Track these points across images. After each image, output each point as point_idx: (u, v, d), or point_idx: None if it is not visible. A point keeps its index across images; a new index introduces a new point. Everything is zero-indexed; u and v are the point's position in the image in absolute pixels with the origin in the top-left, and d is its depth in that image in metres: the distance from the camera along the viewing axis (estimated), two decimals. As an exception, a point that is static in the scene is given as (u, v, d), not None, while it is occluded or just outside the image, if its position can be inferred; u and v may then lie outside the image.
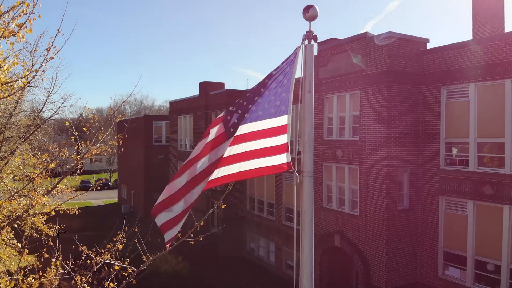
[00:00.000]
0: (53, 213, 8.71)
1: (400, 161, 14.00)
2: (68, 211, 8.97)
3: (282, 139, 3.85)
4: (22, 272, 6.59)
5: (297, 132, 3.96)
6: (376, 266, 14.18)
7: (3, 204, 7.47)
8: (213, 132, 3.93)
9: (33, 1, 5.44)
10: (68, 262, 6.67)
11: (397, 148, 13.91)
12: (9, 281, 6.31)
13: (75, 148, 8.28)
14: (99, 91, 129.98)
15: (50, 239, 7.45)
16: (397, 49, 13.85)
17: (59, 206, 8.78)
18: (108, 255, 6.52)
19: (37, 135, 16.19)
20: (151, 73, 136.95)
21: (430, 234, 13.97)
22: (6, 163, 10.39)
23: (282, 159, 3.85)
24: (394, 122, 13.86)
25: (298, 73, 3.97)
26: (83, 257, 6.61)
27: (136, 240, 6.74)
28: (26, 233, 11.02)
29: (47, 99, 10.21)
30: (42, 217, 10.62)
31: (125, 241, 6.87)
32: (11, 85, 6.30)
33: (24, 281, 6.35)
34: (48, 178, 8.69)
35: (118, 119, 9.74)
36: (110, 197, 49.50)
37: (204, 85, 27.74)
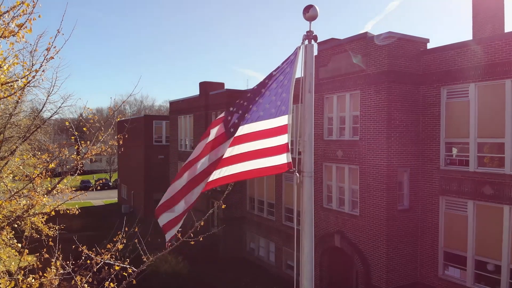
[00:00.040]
0: (53, 213, 8.71)
1: (400, 161, 13.99)
2: (68, 211, 8.97)
3: (283, 139, 3.85)
4: (22, 272, 6.59)
5: (298, 132, 3.96)
6: (376, 266, 14.17)
7: (3, 204, 7.47)
8: (213, 132, 3.93)
9: (33, 1, 5.43)
10: (68, 262, 6.66)
11: (397, 148, 13.91)
12: (9, 281, 6.31)
13: (75, 148, 8.28)
14: (99, 91, 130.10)
15: (50, 239, 7.45)
16: (397, 49, 13.85)
17: (59, 206, 8.77)
18: (108, 255, 6.52)
19: (37, 135, 16.19)
20: (151, 73, 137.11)
21: (430, 234, 13.97)
22: (6, 163, 10.39)
23: (282, 159, 3.85)
24: (394, 122, 13.86)
25: (299, 73, 3.97)
26: (83, 257, 6.60)
27: (136, 240, 6.74)
28: (26, 233, 11.02)
29: (47, 99, 10.21)
30: (42, 217, 10.62)
31: (125, 241, 6.86)
32: (11, 85, 6.29)
33: (24, 281, 6.35)
34: (48, 178, 8.69)
35: (118, 119, 9.73)
36: (110, 197, 49.50)
37: (204, 85, 27.74)
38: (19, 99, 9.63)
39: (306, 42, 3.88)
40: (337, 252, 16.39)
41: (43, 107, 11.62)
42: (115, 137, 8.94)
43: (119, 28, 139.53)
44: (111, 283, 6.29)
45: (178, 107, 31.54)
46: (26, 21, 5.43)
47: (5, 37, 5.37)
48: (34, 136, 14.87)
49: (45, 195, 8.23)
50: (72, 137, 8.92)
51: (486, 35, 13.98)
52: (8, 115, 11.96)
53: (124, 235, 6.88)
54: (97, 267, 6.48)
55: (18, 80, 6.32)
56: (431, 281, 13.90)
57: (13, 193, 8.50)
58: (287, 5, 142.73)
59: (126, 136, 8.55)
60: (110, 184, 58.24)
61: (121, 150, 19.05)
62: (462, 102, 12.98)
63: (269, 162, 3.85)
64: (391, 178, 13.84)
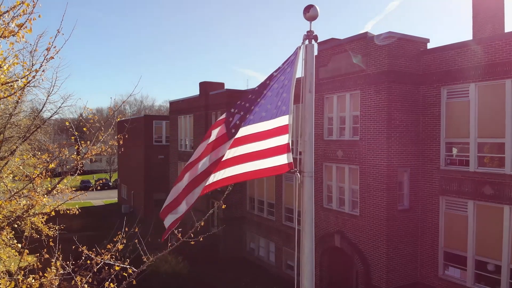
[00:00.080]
0: (53, 213, 8.70)
1: (400, 161, 13.99)
2: (68, 211, 8.96)
3: (283, 139, 3.85)
4: (22, 272, 6.58)
5: (298, 132, 3.95)
6: (376, 266, 14.17)
7: (3, 204, 7.46)
8: (215, 133, 3.94)
9: (33, 1, 5.43)
10: (68, 262, 6.66)
11: (397, 148, 13.91)
12: (9, 281, 6.31)
13: (75, 148, 8.27)
14: (99, 91, 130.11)
15: (50, 239, 7.43)
16: (397, 49, 13.85)
17: (59, 206, 8.77)
18: (108, 256, 6.52)
19: (37, 135, 16.18)
20: (151, 73, 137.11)
21: (430, 234, 13.97)
22: (6, 163, 10.38)
23: (283, 159, 3.85)
24: (394, 122, 13.85)
25: (299, 73, 3.96)
26: (83, 258, 6.59)
27: (136, 240, 6.73)
28: (26, 233, 11.00)
29: (47, 99, 10.21)
30: (42, 217, 10.61)
31: (125, 242, 6.86)
32: (11, 85, 6.29)
33: (24, 281, 6.34)
34: (48, 178, 8.68)
35: (118, 119, 9.73)
36: (110, 197, 49.50)
37: (204, 85, 27.73)
38: (19, 99, 9.63)
39: (307, 42, 3.88)
40: (337, 252, 16.39)
41: (43, 107, 11.63)
42: (115, 137, 8.93)
43: (119, 28, 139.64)
44: (111, 283, 6.28)
45: (178, 107, 31.53)
46: (26, 21, 5.43)
47: (5, 37, 5.37)
48: (34, 136, 14.86)
49: (45, 195, 8.22)
50: (72, 137, 8.91)
51: (486, 35, 13.98)
52: (8, 115, 11.95)
53: (124, 235, 6.87)
54: (97, 267, 6.47)
55: (18, 80, 6.32)
56: (431, 281, 13.90)
57: (13, 193, 8.49)
58: (287, 5, 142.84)
59: (126, 136, 8.54)
60: (110, 184, 58.24)
61: (121, 150, 19.04)
62: (462, 102, 12.98)
63: (270, 162, 3.84)
64: (391, 178, 13.83)
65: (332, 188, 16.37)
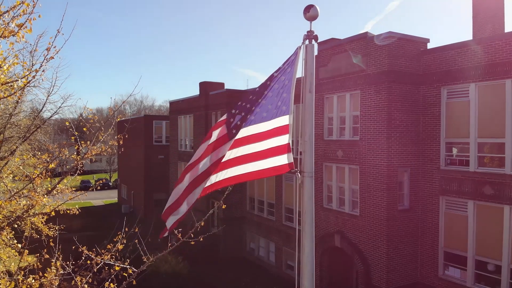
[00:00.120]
0: (53, 213, 8.70)
1: (401, 161, 13.99)
2: (68, 211, 8.96)
3: (284, 139, 3.85)
4: (22, 272, 6.58)
5: (299, 132, 3.95)
6: (377, 266, 14.17)
7: (3, 204, 7.46)
8: (215, 134, 3.94)
9: (33, 1, 5.42)
10: (68, 262, 6.65)
11: (397, 148, 13.90)
12: (9, 281, 6.30)
13: (75, 148, 8.26)
14: (99, 91, 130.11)
15: (50, 240, 7.43)
16: (397, 49, 13.85)
17: (59, 206, 8.76)
18: (108, 256, 6.51)
19: (37, 135, 16.17)
20: (151, 73, 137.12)
21: (430, 234, 13.96)
22: (6, 163, 10.38)
23: (284, 160, 3.85)
24: (395, 122, 13.85)
25: (299, 73, 3.96)
26: (83, 258, 6.59)
27: (136, 241, 6.73)
28: (26, 234, 11.00)
29: (47, 99, 10.20)
30: (42, 218, 10.61)
31: (125, 242, 6.85)
32: (11, 85, 6.28)
33: (24, 281, 6.34)
34: (48, 178, 8.67)
35: (118, 119, 9.73)
36: (110, 197, 49.49)
37: (204, 85, 27.72)
38: (19, 99, 9.62)
39: (307, 42, 3.88)
40: (337, 252, 16.38)
41: (43, 107, 11.62)
42: (115, 137, 8.93)
43: (119, 28, 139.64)
44: (111, 284, 6.28)
45: (178, 107, 31.52)
46: (26, 21, 5.42)
47: (5, 37, 5.36)
48: (34, 136, 14.85)
49: (45, 195, 8.22)
50: (72, 137, 8.91)
51: (486, 35, 13.98)
52: (8, 115, 11.95)
53: (124, 236, 6.86)
54: (97, 267, 6.47)
55: (18, 80, 6.31)
56: (431, 281, 13.90)
57: (13, 193, 8.49)
58: (287, 5, 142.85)
59: (126, 136, 8.54)
60: (110, 184, 58.24)
61: (121, 150, 19.03)
62: (462, 102, 12.97)
63: (271, 163, 3.84)
64: (391, 178, 13.83)
65: (332, 188, 16.37)
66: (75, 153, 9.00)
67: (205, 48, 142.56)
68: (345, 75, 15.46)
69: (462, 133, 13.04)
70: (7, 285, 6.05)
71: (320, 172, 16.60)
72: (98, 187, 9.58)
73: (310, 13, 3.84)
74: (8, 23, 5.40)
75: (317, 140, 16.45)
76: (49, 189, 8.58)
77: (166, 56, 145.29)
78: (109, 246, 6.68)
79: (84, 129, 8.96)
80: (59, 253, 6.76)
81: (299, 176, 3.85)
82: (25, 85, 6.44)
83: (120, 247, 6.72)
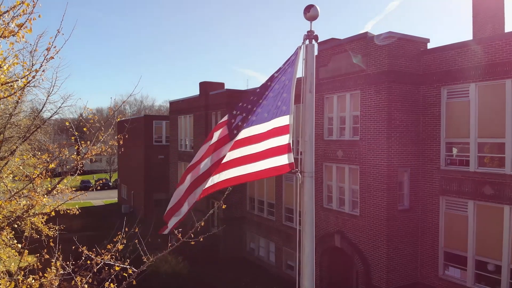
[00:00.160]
0: (53, 213, 8.70)
1: (401, 161, 13.98)
2: (68, 211, 8.96)
3: (284, 139, 3.84)
4: (22, 272, 6.58)
5: (299, 132, 3.95)
6: (377, 266, 14.16)
7: (3, 204, 7.46)
8: (216, 135, 3.95)
9: (33, 1, 5.42)
10: (68, 262, 6.65)
11: (397, 148, 13.90)
12: (9, 281, 6.30)
13: (75, 148, 8.26)
14: (99, 91, 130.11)
15: (50, 240, 7.43)
16: (397, 49, 13.84)
17: (59, 207, 8.76)
18: (109, 256, 6.51)
19: (37, 135, 16.16)
20: (151, 73, 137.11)
21: (430, 234, 13.96)
22: (6, 163, 10.38)
23: (284, 160, 3.84)
24: (395, 122, 13.85)
25: (299, 73, 3.96)
26: (83, 258, 6.59)
27: (136, 241, 6.73)
28: (26, 234, 10.99)
29: (47, 99, 10.21)
30: (42, 218, 10.61)
31: (125, 242, 6.85)
32: (11, 85, 6.28)
33: (24, 281, 6.34)
34: (48, 178, 8.67)
35: (118, 119, 9.72)
36: (110, 197, 49.49)
37: (204, 85, 27.72)
38: (19, 99, 9.62)
39: (307, 42, 3.88)
40: (337, 252, 16.38)
41: (43, 107, 11.63)
42: (115, 137, 8.92)
43: (119, 28, 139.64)
44: (111, 284, 6.28)
45: (178, 107, 31.52)
46: (26, 21, 5.42)
47: (5, 37, 5.36)
48: (34, 136, 14.85)
49: (45, 195, 8.21)
50: (72, 137, 8.90)
51: (486, 35, 13.98)
52: (8, 115, 11.95)
53: (124, 236, 6.86)
54: (97, 267, 6.47)
55: (18, 80, 6.31)
56: (431, 281, 13.89)
57: (13, 194, 8.49)
58: (287, 5, 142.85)
59: (126, 136, 8.53)
60: (110, 184, 58.23)
61: (121, 150, 19.02)
62: (463, 102, 12.97)
63: (271, 163, 3.84)
64: (391, 178, 13.83)
65: (332, 188, 16.37)
66: (75, 153, 9.00)
67: (205, 48, 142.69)
68: (345, 75, 15.45)
69: (462, 133, 13.04)
70: (7, 285, 6.05)
71: (320, 172, 16.60)
72: (98, 187, 9.57)
73: (310, 13, 3.84)
74: (8, 23, 5.39)
75: (317, 140, 16.45)
76: (49, 189, 8.58)
77: (166, 56, 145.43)
78: (109, 246, 6.68)
79: (84, 129, 8.96)
80: (59, 253, 6.76)
81: (299, 176, 3.84)
82: (25, 85, 6.44)
83: (120, 247, 6.72)
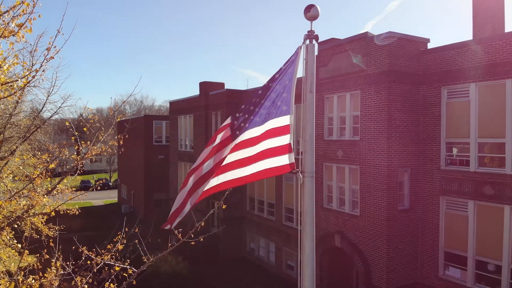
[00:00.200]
0: (53, 213, 8.69)
1: (401, 161, 13.98)
2: (68, 212, 8.96)
3: (285, 139, 3.84)
4: (22, 272, 6.57)
5: (300, 132, 3.95)
6: (377, 266, 14.16)
7: (3, 204, 7.45)
8: (219, 137, 3.95)
9: (33, 1, 5.41)
10: (68, 262, 6.64)
11: (397, 148, 13.90)
12: (9, 281, 6.30)
13: (75, 148, 8.25)
14: (99, 91, 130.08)
15: (50, 240, 7.42)
16: (398, 49, 13.84)
17: (59, 207, 8.76)
18: (109, 256, 6.50)
19: (37, 135, 16.16)
20: (151, 73, 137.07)
21: (430, 234, 13.96)
22: (6, 163, 10.37)
23: (285, 160, 3.84)
24: (395, 122, 13.84)
25: (299, 73, 3.95)
26: (83, 258, 6.58)
27: (136, 241, 6.73)
28: (26, 234, 10.99)
29: (47, 99, 10.21)
30: (42, 218, 10.60)
31: (125, 242, 6.85)
32: (11, 85, 6.28)
33: (24, 281, 6.33)
34: (48, 179, 8.66)
35: (118, 119, 9.71)
36: (110, 197, 49.48)
37: (204, 85, 27.72)
38: (19, 99, 9.61)
39: (307, 41, 3.87)
40: (337, 252, 16.38)
41: (43, 107, 11.63)
42: (115, 137, 8.92)
43: (119, 28, 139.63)
44: (111, 284, 6.27)
45: (178, 107, 31.51)
46: (26, 21, 5.41)
47: (5, 37, 5.35)
48: (34, 136, 14.84)
49: (45, 196, 8.21)
50: (72, 137, 8.90)
51: (486, 35, 13.97)
52: (8, 115, 11.94)
53: (124, 236, 6.86)
54: (97, 267, 6.46)
55: (18, 80, 6.30)
56: (431, 281, 13.89)
57: (13, 194, 8.48)
58: (287, 5, 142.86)
59: (126, 136, 8.53)
60: (110, 184, 58.22)
61: (121, 150, 19.02)
62: (463, 102, 12.97)
63: (272, 163, 3.84)
64: (391, 178, 13.83)
65: (332, 188, 16.36)
66: (75, 153, 8.99)
67: (205, 48, 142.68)
68: (345, 75, 15.45)
69: (462, 133, 13.03)
70: (7, 285, 6.05)
71: (320, 172, 16.60)
72: (98, 187, 9.57)
73: (310, 13, 3.84)
74: (8, 23, 5.39)
75: (317, 140, 16.44)
76: (49, 189, 8.58)
77: (166, 56, 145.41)
78: (109, 246, 6.67)
79: (84, 129, 8.96)
80: (59, 253, 6.75)
81: (300, 176, 3.84)
82: (25, 85, 6.43)
83: (120, 247, 6.72)
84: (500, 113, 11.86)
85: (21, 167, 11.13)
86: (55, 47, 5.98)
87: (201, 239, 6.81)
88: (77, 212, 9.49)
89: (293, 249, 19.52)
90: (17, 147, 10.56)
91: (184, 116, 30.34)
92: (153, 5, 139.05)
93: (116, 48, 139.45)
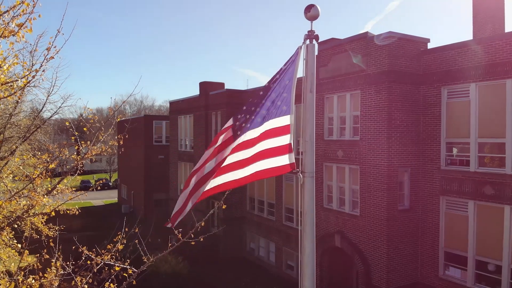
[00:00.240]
0: (53, 213, 8.68)
1: (401, 161, 13.98)
2: (68, 212, 8.95)
3: (285, 139, 3.84)
4: (22, 273, 6.57)
5: (300, 132, 3.94)
6: (377, 266, 14.16)
7: (3, 204, 7.45)
8: (221, 138, 3.95)
9: (33, 1, 5.41)
10: (68, 262, 6.64)
11: (397, 148, 13.89)
12: (9, 281, 6.29)
13: (75, 148, 8.25)
14: (99, 91, 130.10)
15: (50, 240, 7.42)
16: (398, 49, 13.84)
17: (59, 207, 8.75)
18: (109, 256, 6.50)
19: (37, 135, 16.16)
20: (151, 73, 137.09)
21: (430, 234, 13.95)
22: (6, 163, 10.37)
23: (285, 160, 3.84)
24: (395, 122, 13.84)
25: (300, 73, 3.95)
26: (83, 258, 6.58)
27: (136, 241, 6.72)
28: (26, 234, 10.98)
29: (47, 99, 10.21)
30: (42, 218, 10.60)
31: (125, 242, 6.84)
32: (11, 85, 6.28)
33: (24, 282, 6.33)
34: (48, 179, 8.66)
35: (118, 119, 9.70)
36: (110, 197, 49.47)
37: (204, 85, 27.71)
38: (19, 99, 9.60)
39: (308, 41, 3.87)
40: (338, 252, 16.37)
41: (43, 107, 11.63)
42: (115, 137, 8.92)
43: (119, 28, 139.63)
44: (111, 284, 6.27)
45: (178, 107, 31.51)
46: (26, 21, 5.41)
47: (5, 36, 5.35)
48: (34, 136, 14.84)
49: (45, 196, 8.21)
50: (72, 137, 8.90)
51: (486, 35, 13.97)
52: (8, 115, 11.94)
53: (124, 236, 6.85)
54: (97, 267, 6.46)
55: (18, 80, 6.30)
56: (431, 281, 13.88)
57: (13, 194, 8.48)
58: (287, 5, 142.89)
59: (126, 136, 8.53)
60: (110, 184, 58.21)
61: (121, 150, 19.00)
62: (463, 102, 12.96)
63: (272, 163, 3.84)
64: (391, 178, 13.82)
65: (333, 188, 16.36)
66: (75, 153, 8.99)
67: (205, 48, 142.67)
68: (345, 75, 15.45)
69: (462, 133, 13.03)
70: (7, 285, 6.04)
71: (321, 172, 16.59)
72: (98, 187, 9.56)
73: (311, 12, 3.83)
74: (8, 23, 5.38)
75: (318, 140, 16.44)
76: (49, 189, 8.57)
77: (166, 56, 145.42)
78: (109, 246, 6.67)
79: (84, 129, 8.96)
80: (59, 253, 6.75)
81: (300, 176, 3.84)
82: (25, 85, 6.43)
83: (120, 247, 6.71)
84: (500, 113, 11.86)
85: (21, 167, 11.13)
86: (55, 47, 5.98)
87: (201, 239, 6.81)
88: (77, 212, 9.48)
89: (293, 249, 19.51)
90: (17, 147, 10.56)
91: (184, 116, 30.34)
92: (153, 5, 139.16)
93: (116, 48, 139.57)
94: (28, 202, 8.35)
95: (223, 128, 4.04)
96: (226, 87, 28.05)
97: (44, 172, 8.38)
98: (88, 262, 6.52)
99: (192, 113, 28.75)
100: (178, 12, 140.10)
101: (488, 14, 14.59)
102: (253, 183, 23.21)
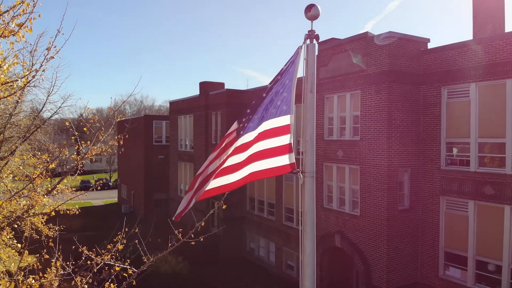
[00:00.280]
0: (53, 213, 8.68)
1: (401, 161, 13.97)
2: (68, 212, 8.94)
3: (285, 139, 3.83)
4: (22, 273, 6.56)
5: (300, 132, 3.94)
6: (377, 266, 14.15)
7: (3, 204, 7.44)
8: (226, 141, 3.96)
9: (33, 1, 5.40)
10: (68, 262, 6.63)
11: (397, 148, 13.89)
12: (9, 281, 6.29)
13: (75, 148, 8.25)
14: (99, 91, 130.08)
15: (50, 240, 7.41)
16: (398, 49, 13.83)
17: (59, 207, 8.75)
18: (109, 256, 6.49)
19: (37, 135, 16.16)
20: (151, 73, 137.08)
21: (430, 234, 13.95)
22: (6, 163, 10.36)
23: (285, 160, 3.84)
24: (395, 122, 13.84)
25: (300, 73, 3.95)
26: (83, 258, 6.57)
27: (136, 241, 6.72)
28: (26, 234, 10.98)
29: (47, 99, 10.20)
30: (42, 218, 10.60)
31: (125, 242, 6.84)
32: (11, 85, 6.27)
33: (24, 282, 6.32)
34: (48, 178, 8.65)
35: (118, 119, 9.70)
36: (110, 197, 49.47)
37: (204, 85, 27.71)
38: (19, 99, 9.59)
39: (308, 41, 3.86)
40: (338, 252, 16.37)
41: (43, 107, 11.62)
42: (115, 137, 8.91)
43: (119, 28, 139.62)
44: (111, 284, 6.26)
45: (178, 107, 31.51)
46: (26, 21, 5.41)
47: (5, 36, 5.35)
48: (34, 136, 14.84)
49: (45, 195, 8.20)
50: (72, 137, 8.90)
51: (486, 35, 13.97)
52: (8, 115, 11.94)
53: (124, 236, 6.85)
54: (97, 267, 6.45)
55: (18, 80, 6.30)
56: (431, 281, 13.88)
57: (13, 194, 8.47)
58: (287, 5, 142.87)
59: (126, 136, 8.53)
60: (110, 184, 58.20)
61: (121, 150, 19.00)
62: (463, 102, 12.96)
63: (272, 163, 3.84)
64: (391, 178, 13.82)
65: (333, 188, 16.36)
66: (75, 153, 8.99)
67: (205, 48, 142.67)
68: (346, 75, 15.44)
69: (462, 133, 13.03)
70: (7, 285, 6.04)
71: (321, 172, 16.59)
72: (98, 187, 9.56)
73: (311, 12, 3.83)
74: (8, 23, 5.38)
75: (318, 140, 16.43)
76: (49, 189, 8.57)
77: (166, 56, 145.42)
78: (109, 246, 6.66)
79: (84, 129, 8.96)
80: (59, 253, 6.74)
81: (300, 176, 3.83)
82: (25, 85, 6.43)
83: (120, 247, 6.71)
84: (500, 113, 11.85)
85: (21, 167, 11.13)
86: (55, 47, 5.98)
87: (201, 239, 6.80)
88: (77, 212, 9.47)
89: (293, 249, 19.51)
90: (17, 147, 10.55)
91: (184, 116, 30.33)
92: (153, 5, 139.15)
93: (116, 48, 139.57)
94: (28, 202, 8.35)
95: (229, 131, 4.04)
96: (226, 87, 28.04)
97: (44, 172, 8.38)
98: (88, 262, 6.52)
99: (192, 113, 28.75)
100: (178, 12, 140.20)
101: (488, 14, 14.59)
102: (253, 183, 23.20)
